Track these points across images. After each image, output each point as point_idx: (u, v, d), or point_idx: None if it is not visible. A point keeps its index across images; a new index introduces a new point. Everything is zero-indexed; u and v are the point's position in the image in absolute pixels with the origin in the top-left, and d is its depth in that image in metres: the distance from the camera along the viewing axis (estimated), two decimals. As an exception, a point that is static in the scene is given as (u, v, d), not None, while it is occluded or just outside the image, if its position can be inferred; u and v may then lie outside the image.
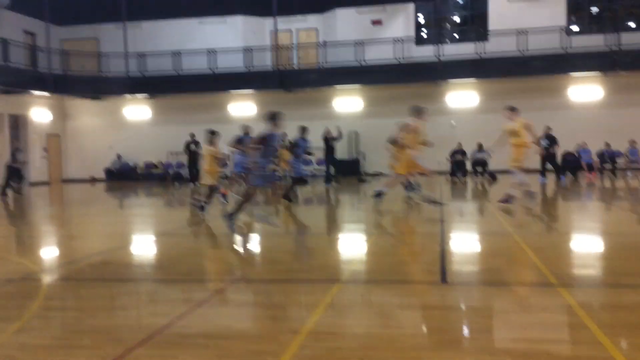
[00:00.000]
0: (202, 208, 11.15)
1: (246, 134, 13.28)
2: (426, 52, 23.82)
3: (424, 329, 4.20)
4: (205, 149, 11.66)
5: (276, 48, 25.32)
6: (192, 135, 21.22)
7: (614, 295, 5.03)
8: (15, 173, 19.05)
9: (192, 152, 21.15)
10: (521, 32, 22.31)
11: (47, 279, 6.27)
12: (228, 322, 4.45)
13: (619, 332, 3.86)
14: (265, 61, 25.39)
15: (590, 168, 20.54)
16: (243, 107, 26.14)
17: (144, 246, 8.61)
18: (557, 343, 3.75)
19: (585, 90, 23.36)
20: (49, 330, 4.33)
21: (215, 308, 4.84)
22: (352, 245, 8.24)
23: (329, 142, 19.66)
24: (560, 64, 22.26)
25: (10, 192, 18.54)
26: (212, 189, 11.46)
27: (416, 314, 4.58)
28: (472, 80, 23.90)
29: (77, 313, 4.79)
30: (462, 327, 4.24)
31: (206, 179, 11.49)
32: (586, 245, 7.82)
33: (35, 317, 4.64)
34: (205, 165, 11.51)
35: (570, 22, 24.11)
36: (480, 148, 21.81)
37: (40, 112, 25.94)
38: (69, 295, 5.52)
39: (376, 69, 23.46)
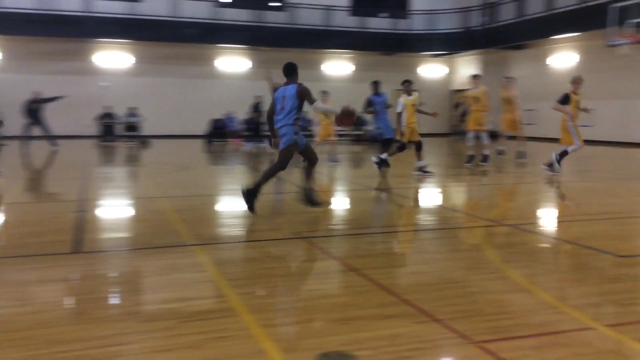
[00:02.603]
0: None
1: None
2: (73, 5, 21.97)
3: (46, 304, 3.82)
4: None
5: None
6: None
7: (246, 249, 5.43)
8: None
9: None
10: (174, -2, 22.44)
11: None
12: None
13: (243, 284, 4.15)
14: None
15: (236, 135, 22.08)
16: None
17: None
18: (184, 301, 3.81)
19: (233, 61, 24.85)
20: None
21: None
22: (-27, 217, 7.11)
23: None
24: (212, 33, 23.16)
25: None
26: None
27: (40, 289, 4.15)
28: (126, 40, 23.10)
29: None
30: (87, 297, 3.98)
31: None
32: (231, 205, 8.31)
33: None
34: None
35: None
36: (132, 112, 21.36)
37: None
38: None
39: (14, 16, 20.69)
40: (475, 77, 12.94)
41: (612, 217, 7.01)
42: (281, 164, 6.75)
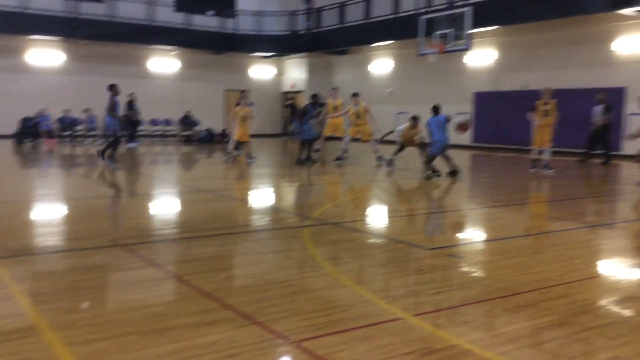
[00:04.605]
0: None
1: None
2: None
3: None
4: None
5: None
6: None
7: (55, 261, 4.97)
8: None
9: None
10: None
11: None
12: None
13: (49, 299, 3.78)
14: None
15: (50, 134, 20.36)
16: None
17: None
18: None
19: (45, 54, 22.82)
20: None
21: None
22: None
23: None
24: (20, 23, 21.03)
25: None
26: None
27: None
28: None
29: None
30: None
31: None
32: (43, 213, 7.59)
33: None
34: None
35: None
36: None
37: None
38: None
39: None
40: (354, 95, 13.92)
41: (421, 213, 7.60)
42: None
